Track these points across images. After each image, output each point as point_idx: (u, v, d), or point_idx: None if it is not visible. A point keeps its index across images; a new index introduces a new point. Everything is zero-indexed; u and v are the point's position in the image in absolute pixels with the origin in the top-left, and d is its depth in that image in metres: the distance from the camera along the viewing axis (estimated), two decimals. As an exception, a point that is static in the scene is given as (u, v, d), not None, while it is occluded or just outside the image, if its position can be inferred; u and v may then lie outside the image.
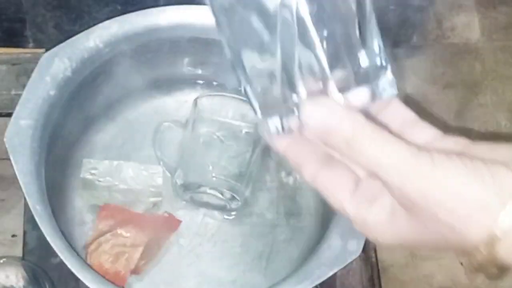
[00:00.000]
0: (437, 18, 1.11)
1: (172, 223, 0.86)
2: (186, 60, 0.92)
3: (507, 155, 0.45)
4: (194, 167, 0.87)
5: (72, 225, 0.85)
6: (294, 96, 0.50)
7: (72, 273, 0.70)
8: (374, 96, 0.53)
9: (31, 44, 1.00)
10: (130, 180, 0.88)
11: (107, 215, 0.85)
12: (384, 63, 0.60)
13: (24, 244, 0.88)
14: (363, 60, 0.55)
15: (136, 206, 0.87)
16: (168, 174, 0.89)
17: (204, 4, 0.88)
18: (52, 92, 0.79)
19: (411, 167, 0.45)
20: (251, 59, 0.53)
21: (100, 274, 0.75)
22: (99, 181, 0.88)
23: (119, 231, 0.84)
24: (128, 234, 0.83)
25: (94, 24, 0.83)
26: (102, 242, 0.83)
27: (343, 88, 0.51)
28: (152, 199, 0.88)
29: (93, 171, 0.88)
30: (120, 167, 0.88)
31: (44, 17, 0.96)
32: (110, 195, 0.87)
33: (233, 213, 0.89)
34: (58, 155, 0.83)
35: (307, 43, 0.49)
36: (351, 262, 0.73)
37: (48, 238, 0.71)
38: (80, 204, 0.87)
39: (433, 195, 0.44)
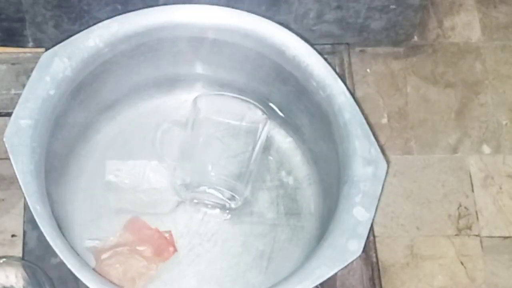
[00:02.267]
0: (438, 17, 1.11)
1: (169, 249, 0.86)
2: (186, 59, 0.92)
3: None
4: (193, 167, 0.87)
5: (72, 225, 0.85)
6: None
7: (71, 273, 0.70)
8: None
9: (30, 44, 1.00)
10: (154, 180, 0.88)
11: (133, 228, 0.84)
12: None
13: (24, 244, 0.88)
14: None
15: (161, 206, 0.87)
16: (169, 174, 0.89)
17: (204, 4, 0.89)
18: (52, 92, 0.79)
19: None
20: None
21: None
22: (124, 182, 0.88)
23: (138, 248, 0.83)
24: (145, 254, 0.82)
25: (94, 24, 0.83)
26: (117, 253, 0.82)
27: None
28: (177, 198, 0.88)
29: (117, 173, 0.88)
30: (144, 167, 0.88)
31: (44, 17, 0.96)
32: (135, 196, 0.87)
33: (231, 212, 0.88)
34: (58, 154, 0.83)
35: None
36: (352, 262, 0.73)
37: (48, 238, 0.71)
38: (80, 204, 0.87)
39: None
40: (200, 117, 0.86)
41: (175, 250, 0.85)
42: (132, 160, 0.89)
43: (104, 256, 0.82)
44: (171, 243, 0.85)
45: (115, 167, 0.88)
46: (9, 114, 0.77)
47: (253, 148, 0.86)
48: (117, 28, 0.83)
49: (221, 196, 0.87)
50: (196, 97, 0.88)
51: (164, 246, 0.84)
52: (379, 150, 0.79)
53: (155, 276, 0.83)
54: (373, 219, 0.75)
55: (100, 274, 0.78)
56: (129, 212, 0.87)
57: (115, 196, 0.87)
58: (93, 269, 0.78)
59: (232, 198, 0.87)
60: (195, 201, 0.88)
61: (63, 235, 0.73)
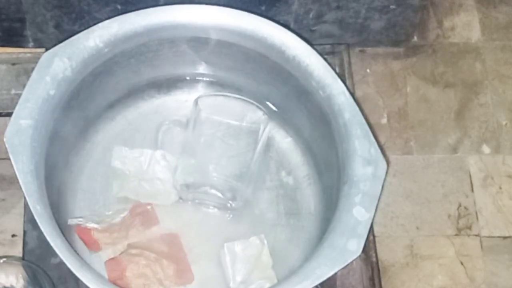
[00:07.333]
0: (438, 18, 1.11)
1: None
2: (186, 60, 0.92)
3: None
4: (195, 167, 0.87)
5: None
6: None
7: (72, 273, 0.70)
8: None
9: (31, 44, 1.00)
10: (159, 170, 0.88)
11: (169, 241, 0.85)
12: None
13: (24, 244, 0.88)
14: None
15: (163, 197, 0.88)
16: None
17: (204, 4, 0.89)
18: (52, 92, 0.79)
19: None
20: None
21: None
22: (129, 170, 0.88)
23: (164, 261, 0.83)
24: (167, 270, 0.83)
25: (94, 24, 0.83)
26: (144, 255, 0.83)
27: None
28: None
29: (123, 159, 0.88)
30: (150, 156, 0.89)
31: (44, 17, 0.96)
32: (138, 184, 0.88)
33: (232, 212, 0.88)
34: (58, 154, 0.83)
35: None
36: (352, 262, 0.73)
37: (48, 238, 0.71)
38: (80, 203, 0.87)
39: None
40: (201, 117, 0.86)
41: (193, 278, 0.85)
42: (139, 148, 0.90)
43: (132, 251, 0.83)
44: (190, 269, 0.85)
45: (122, 154, 0.89)
46: (9, 114, 0.77)
47: (254, 149, 0.87)
48: (117, 28, 0.83)
49: (222, 197, 0.87)
50: (197, 97, 0.88)
51: (185, 272, 0.84)
52: (379, 150, 0.79)
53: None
54: (373, 219, 0.76)
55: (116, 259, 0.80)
56: (131, 202, 0.87)
57: (119, 183, 0.88)
58: (111, 260, 0.81)
59: (233, 198, 0.87)
60: (196, 201, 0.88)
61: (63, 234, 0.74)
